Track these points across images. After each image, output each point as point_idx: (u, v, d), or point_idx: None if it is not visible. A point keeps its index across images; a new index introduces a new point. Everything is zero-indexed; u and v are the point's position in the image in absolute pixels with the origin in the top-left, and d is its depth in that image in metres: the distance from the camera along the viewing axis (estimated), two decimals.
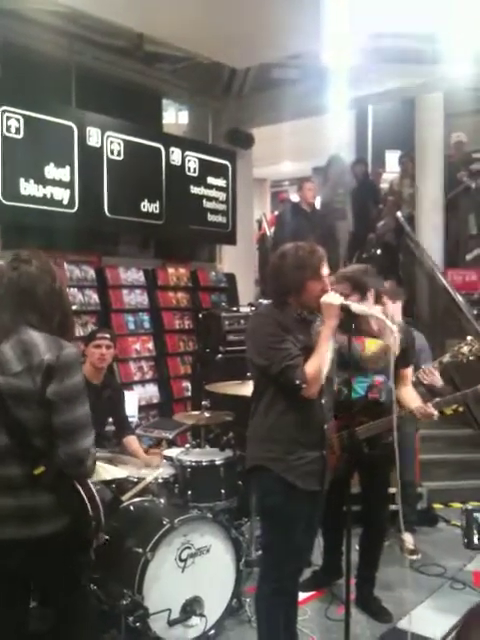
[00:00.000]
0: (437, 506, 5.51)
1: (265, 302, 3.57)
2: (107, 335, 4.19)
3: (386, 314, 2.98)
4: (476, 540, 4.92)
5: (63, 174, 5.55)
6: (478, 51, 5.72)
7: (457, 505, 5.43)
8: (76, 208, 5.64)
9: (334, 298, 2.69)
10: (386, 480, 3.72)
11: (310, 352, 2.69)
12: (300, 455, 2.75)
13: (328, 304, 2.68)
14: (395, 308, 4.32)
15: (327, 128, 9.10)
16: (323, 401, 2.81)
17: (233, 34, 5.76)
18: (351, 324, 2.73)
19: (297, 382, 2.63)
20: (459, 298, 6.87)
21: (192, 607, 3.22)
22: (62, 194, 5.53)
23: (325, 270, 2.79)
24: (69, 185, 5.59)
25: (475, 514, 4.90)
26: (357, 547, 3.80)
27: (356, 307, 2.71)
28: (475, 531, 4.95)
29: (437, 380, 4.19)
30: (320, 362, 2.66)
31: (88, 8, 5.48)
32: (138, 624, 3.00)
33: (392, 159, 10.20)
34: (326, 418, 2.86)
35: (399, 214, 8.00)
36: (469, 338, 4.03)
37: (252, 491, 3.69)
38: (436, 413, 3.43)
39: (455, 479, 5.91)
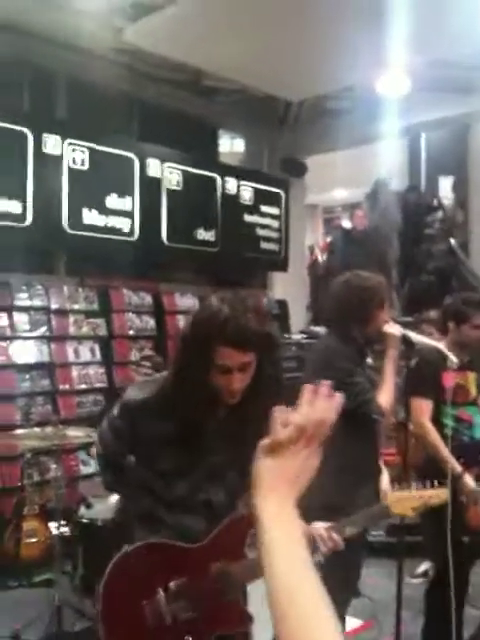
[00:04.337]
0: None
1: (317, 329, 3.58)
2: (146, 363, 4.36)
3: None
4: None
5: (124, 204, 5.78)
6: None
7: None
8: (136, 237, 5.85)
9: (396, 328, 2.71)
10: None
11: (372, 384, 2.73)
12: (365, 491, 2.68)
13: (391, 334, 2.69)
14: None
15: (380, 155, 9.18)
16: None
17: (289, 68, 5.92)
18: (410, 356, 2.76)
19: (374, 416, 2.64)
20: None
21: None
22: (123, 223, 5.76)
23: (388, 299, 2.83)
24: (130, 214, 5.81)
25: None
26: None
27: (415, 337, 2.74)
28: None
29: None
30: (390, 391, 2.67)
31: (150, 46, 5.72)
32: None
33: (445, 185, 10.17)
34: (379, 449, 2.91)
35: (452, 241, 7.98)
36: None
37: None
38: None
39: None
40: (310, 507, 2.85)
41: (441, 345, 2.92)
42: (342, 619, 2.92)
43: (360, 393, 2.62)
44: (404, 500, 2.03)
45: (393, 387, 2.68)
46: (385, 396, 2.64)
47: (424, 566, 4.41)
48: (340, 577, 2.75)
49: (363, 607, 3.98)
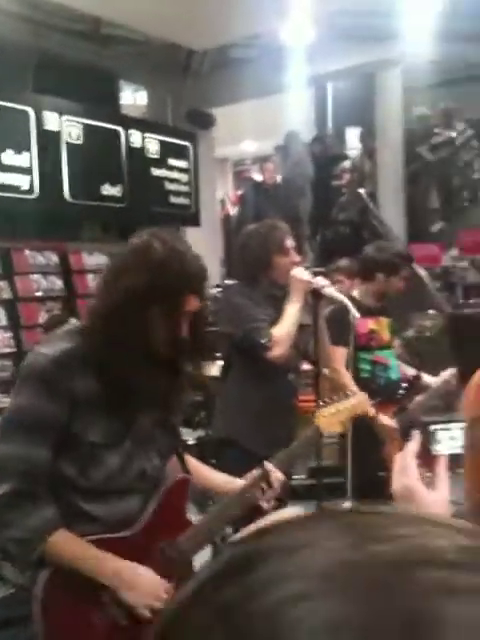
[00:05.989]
0: None
1: (231, 282, 3.56)
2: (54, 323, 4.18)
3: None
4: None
5: (22, 160, 5.48)
6: (434, 25, 5.77)
7: None
8: (36, 194, 5.58)
9: (302, 273, 2.71)
10: None
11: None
12: (267, 428, 2.73)
13: (296, 278, 2.68)
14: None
15: (287, 106, 9.11)
16: (291, 377, 2.84)
17: (191, 16, 5.71)
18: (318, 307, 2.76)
19: (263, 341, 2.62)
20: (422, 272, 6.98)
21: None
22: (21, 180, 5.47)
23: (290, 244, 2.82)
24: (28, 171, 5.53)
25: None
26: None
27: (328, 290, 2.71)
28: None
29: None
30: (287, 326, 2.66)
31: None
32: None
33: (353, 136, 10.25)
34: (294, 394, 2.89)
35: (362, 191, 8.06)
36: (431, 312, 4.11)
37: (222, 466, 3.71)
38: None
39: None
40: (213, 440, 2.88)
41: (345, 298, 2.92)
42: None
43: (249, 322, 2.65)
44: (331, 416, 2.05)
45: (291, 323, 2.67)
46: (278, 328, 2.66)
47: (346, 506, 4.54)
48: None
49: None
